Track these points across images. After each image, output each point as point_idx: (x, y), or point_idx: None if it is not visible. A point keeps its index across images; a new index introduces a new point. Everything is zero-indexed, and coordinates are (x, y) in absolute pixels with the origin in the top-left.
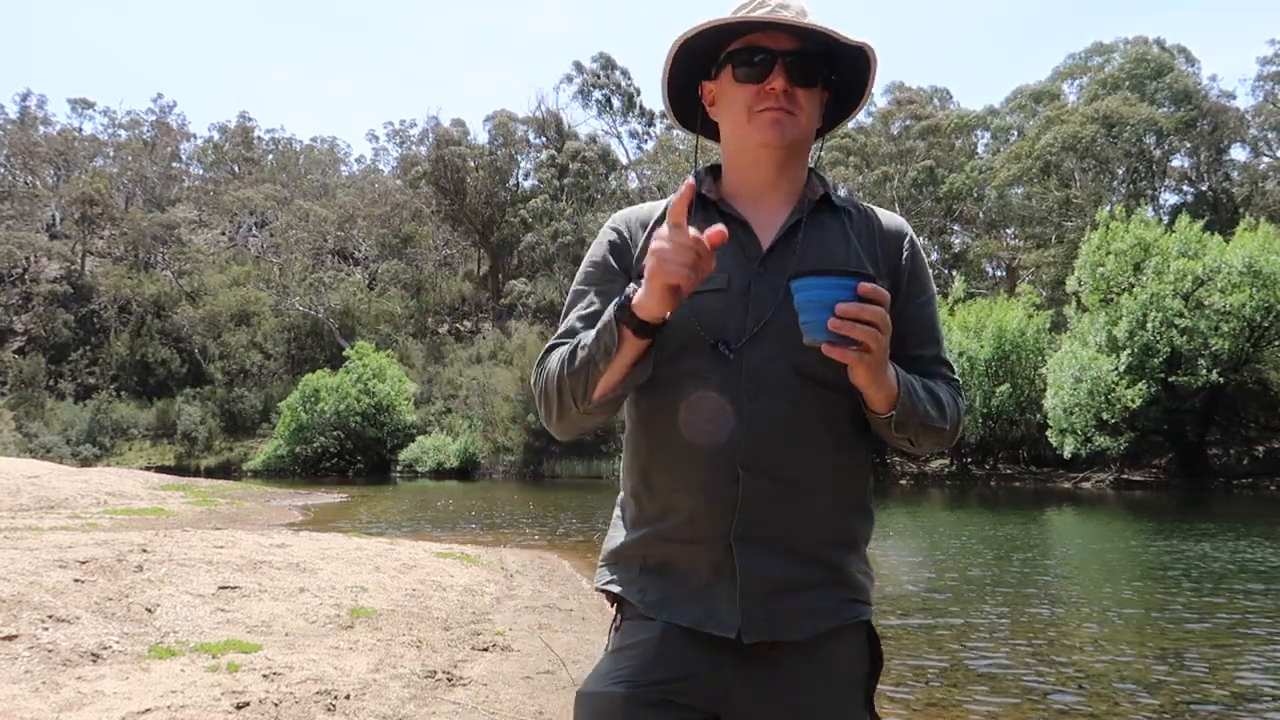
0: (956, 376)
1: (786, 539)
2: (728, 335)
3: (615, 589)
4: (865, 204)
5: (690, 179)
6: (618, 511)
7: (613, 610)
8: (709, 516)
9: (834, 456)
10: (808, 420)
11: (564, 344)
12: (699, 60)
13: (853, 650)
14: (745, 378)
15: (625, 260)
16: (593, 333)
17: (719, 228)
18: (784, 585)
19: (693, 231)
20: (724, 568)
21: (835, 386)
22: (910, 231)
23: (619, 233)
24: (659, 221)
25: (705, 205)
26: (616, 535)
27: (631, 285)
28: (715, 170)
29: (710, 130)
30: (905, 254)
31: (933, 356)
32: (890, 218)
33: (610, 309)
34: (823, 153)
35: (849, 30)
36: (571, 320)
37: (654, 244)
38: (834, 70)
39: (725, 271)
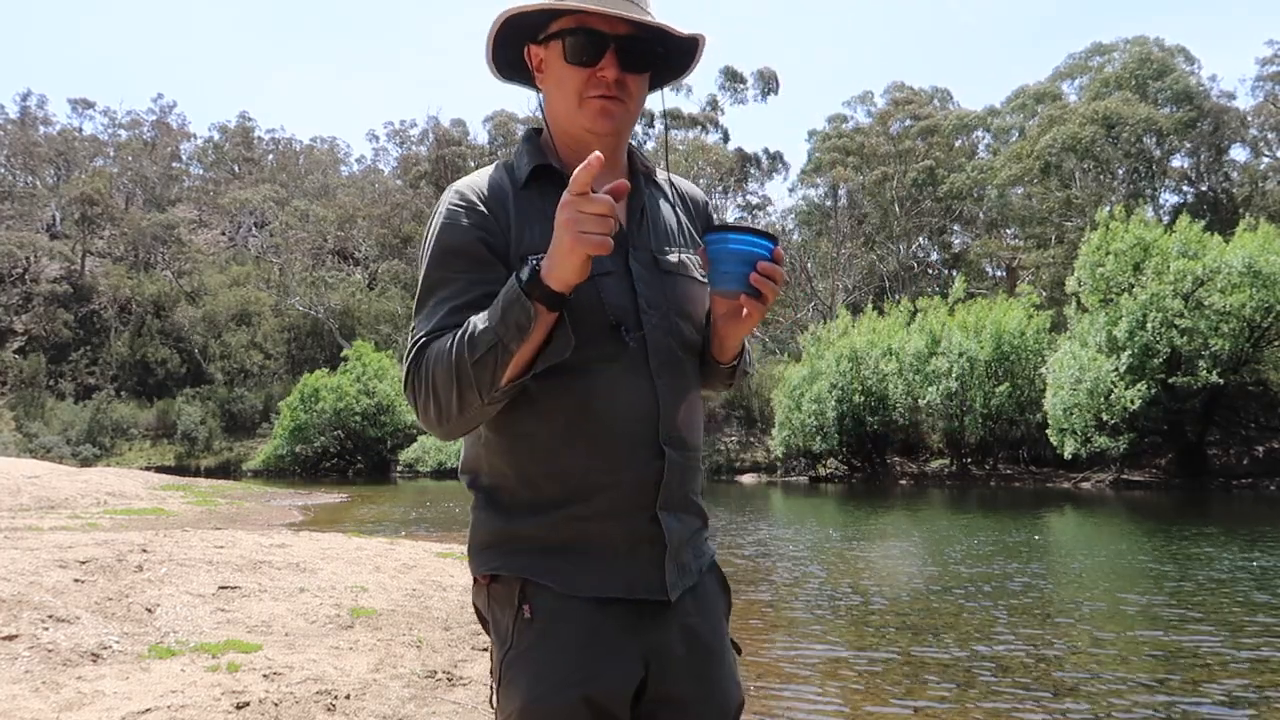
0: None
1: (686, 499)
2: (624, 316)
3: (519, 574)
4: (665, 171)
5: (597, 154)
6: (483, 498)
7: (485, 593)
8: (636, 492)
9: (701, 416)
10: (693, 387)
11: (441, 336)
12: (526, 21)
13: (719, 583)
14: (650, 356)
15: (498, 241)
16: (488, 315)
17: (622, 181)
18: (687, 541)
19: (602, 195)
20: (643, 536)
21: (698, 353)
22: (707, 199)
23: (479, 212)
24: (521, 191)
25: (554, 178)
26: (497, 521)
27: (532, 258)
28: (540, 132)
29: (528, 81)
30: (711, 220)
31: None
32: (693, 187)
33: (513, 285)
34: (663, 120)
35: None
36: (442, 312)
37: (565, 214)
38: (666, 50)
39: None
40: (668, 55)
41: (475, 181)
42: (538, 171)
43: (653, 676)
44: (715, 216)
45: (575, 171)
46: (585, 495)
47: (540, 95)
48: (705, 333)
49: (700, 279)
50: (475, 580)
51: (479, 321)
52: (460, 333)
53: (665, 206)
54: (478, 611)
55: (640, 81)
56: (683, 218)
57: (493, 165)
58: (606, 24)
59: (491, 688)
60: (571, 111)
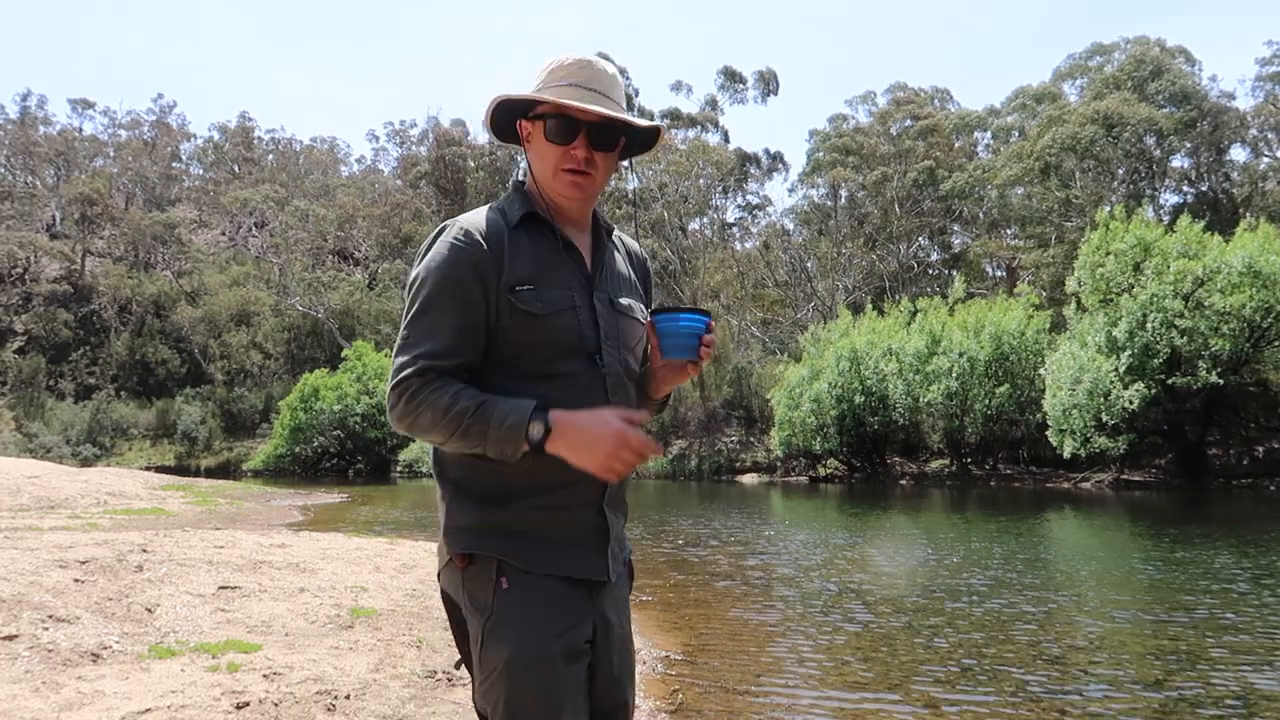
0: None
1: (621, 499)
2: (588, 345)
3: (493, 554)
4: (618, 231)
5: (646, 413)
6: (452, 489)
7: (459, 575)
8: (590, 489)
9: None
10: (632, 408)
11: (436, 370)
12: (517, 100)
13: (629, 572)
14: (606, 378)
15: (489, 278)
16: (484, 416)
17: (644, 413)
18: (619, 536)
19: (648, 442)
20: (591, 527)
21: (636, 381)
22: (646, 256)
23: (481, 248)
24: (513, 232)
25: (540, 224)
26: (471, 509)
27: (551, 416)
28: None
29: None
30: (650, 278)
31: None
32: (636, 244)
33: (520, 426)
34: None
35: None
36: (440, 334)
37: (612, 444)
38: (630, 134)
39: (570, 290)
40: (631, 138)
41: (476, 220)
42: (527, 218)
43: (598, 637)
44: (652, 271)
45: (630, 416)
46: (550, 489)
47: (527, 157)
48: (643, 365)
49: (641, 320)
50: (449, 562)
51: (471, 417)
52: (457, 405)
53: (619, 258)
54: (445, 595)
55: (608, 158)
56: (631, 270)
57: (487, 207)
58: (581, 112)
59: (467, 655)
60: (548, 179)
